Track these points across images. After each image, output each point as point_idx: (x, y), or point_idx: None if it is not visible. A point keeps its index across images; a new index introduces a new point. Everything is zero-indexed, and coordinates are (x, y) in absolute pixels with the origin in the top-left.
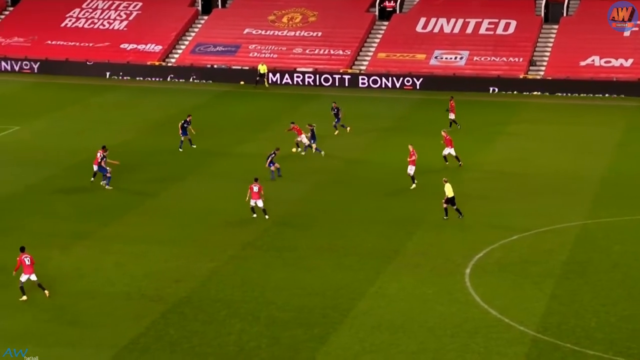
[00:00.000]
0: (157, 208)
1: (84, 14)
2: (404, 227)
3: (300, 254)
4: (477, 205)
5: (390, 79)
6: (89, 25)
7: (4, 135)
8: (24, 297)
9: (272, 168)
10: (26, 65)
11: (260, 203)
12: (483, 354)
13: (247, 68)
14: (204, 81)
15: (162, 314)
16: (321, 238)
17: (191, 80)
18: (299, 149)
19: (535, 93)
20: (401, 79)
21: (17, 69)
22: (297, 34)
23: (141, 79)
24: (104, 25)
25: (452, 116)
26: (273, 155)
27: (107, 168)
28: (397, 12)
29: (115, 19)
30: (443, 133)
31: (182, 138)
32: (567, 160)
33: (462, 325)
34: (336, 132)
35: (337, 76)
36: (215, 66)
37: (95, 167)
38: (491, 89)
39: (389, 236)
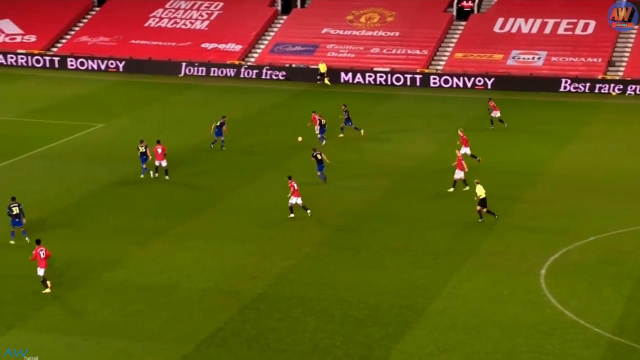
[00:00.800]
0: (234, 205)
1: (166, 14)
2: (479, 228)
3: (375, 253)
4: (554, 206)
5: (461, 78)
6: (171, 25)
7: (88, 132)
8: (48, 290)
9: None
10: (112, 64)
11: (299, 200)
12: (558, 356)
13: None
14: (279, 78)
15: (238, 310)
16: (395, 238)
17: (272, 77)
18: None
19: (613, 94)
20: (472, 78)
21: (102, 67)
22: (375, 33)
23: (222, 77)
24: (186, 25)
25: (497, 114)
26: (317, 154)
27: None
28: (475, 12)
29: (197, 19)
30: (460, 132)
31: (216, 139)
32: None
33: (537, 326)
34: (340, 135)
35: (408, 76)
36: (293, 65)
37: (157, 163)
38: (568, 89)
39: (464, 236)
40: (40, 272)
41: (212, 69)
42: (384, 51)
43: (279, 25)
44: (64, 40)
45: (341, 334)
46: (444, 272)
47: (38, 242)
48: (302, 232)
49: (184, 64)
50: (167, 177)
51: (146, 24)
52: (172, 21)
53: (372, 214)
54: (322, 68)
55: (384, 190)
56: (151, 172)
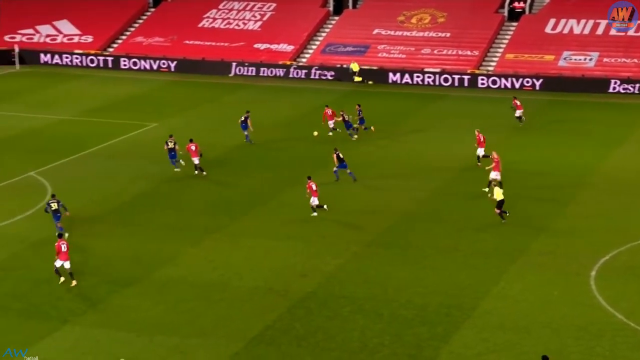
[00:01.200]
0: (285, 204)
1: (220, 15)
2: (528, 228)
3: (424, 253)
4: (605, 208)
5: (510, 79)
6: (224, 25)
7: (142, 132)
8: (62, 279)
9: (341, 171)
10: (164, 64)
11: (316, 201)
12: (608, 358)
13: (375, 68)
14: (327, 78)
15: (288, 308)
16: (445, 237)
17: (321, 78)
18: (330, 134)
19: None
20: (520, 79)
21: (155, 67)
22: (426, 34)
23: (271, 77)
24: (239, 26)
25: (519, 113)
26: (338, 152)
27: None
28: (527, 13)
29: (249, 20)
30: (476, 132)
31: (245, 132)
32: None
33: (587, 328)
34: (355, 137)
35: (456, 76)
36: (344, 66)
37: (196, 160)
38: (617, 90)
39: (513, 237)
40: (58, 263)
41: (262, 69)
42: (435, 52)
43: (330, 26)
44: (119, 41)
45: (389, 333)
46: (493, 272)
47: (60, 236)
48: (351, 231)
49: (234, 64)
50: (204, 173)
51: (200, 25)
52: (225, 22)
53: (421, 214)
54: (355, 67)
55: (433, 190)
56: (182, 162)
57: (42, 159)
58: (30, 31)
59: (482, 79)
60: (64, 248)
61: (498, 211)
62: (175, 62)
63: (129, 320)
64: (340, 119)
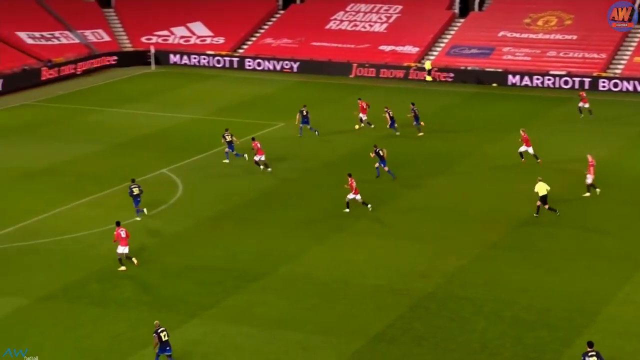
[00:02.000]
0: (409, 205)
1: (347, 17)
2: None
3: (546, 256)
4: None
5: (631, 82)
6: (351, 27)
7: (269, 131)
8: (123, 268)
9: (381, 167)
10: (287, 65)
11: (358, 197)
12: None
13: (500, 70)
14: (447, 80)
15: (409, 307)
16: (569, 240)
17: (440, 80)
18: (362, 125)
19: None
20: None
21: (278, 68)
22: (552, 37)
23: (390, 78)
24: (365, 28)
25: (585, 105)
26: (377, 150)
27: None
28: None
29: (375, 22)
30: (521, 132)
31: (309, 126)
32: None
33: None
34: (420, 134)
35: (576, 79)
36: (468, 68)
37: (257, 158)
38: None
39: (639, 242)
40: (120, 249)
41: (382, 70)
42: (561, 54)
43: (455, 28)
44: (249, 42)
45: (510, 335)
46: (617, 278)
47: (118, 223)
48: (475, 233)
49: (354, 65)
50: (269, 169)
51: (327, 27)
52: (352, 24)
53: (545, 217)
54: (427, 65)
55: (558, 193)
56: (245, 156)
57: (173, 156)
58: (166, 33)
59: (604, 82)
60: (123, 234)
61: (546, 206)
62: (298, 63)
63: (254, 314)
64: (385, 114)
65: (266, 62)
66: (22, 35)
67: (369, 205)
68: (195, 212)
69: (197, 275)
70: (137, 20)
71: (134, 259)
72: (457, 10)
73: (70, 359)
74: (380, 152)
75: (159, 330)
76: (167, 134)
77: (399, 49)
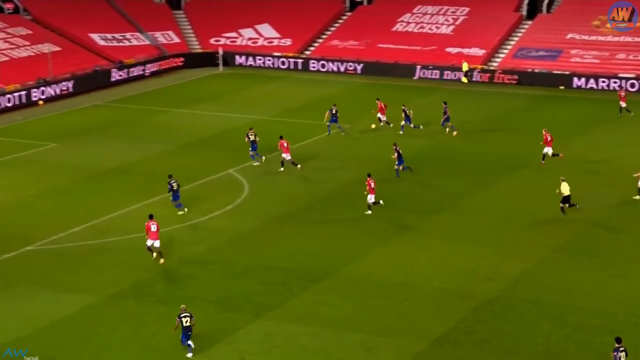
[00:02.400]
0: (473, 207)
1: (413, 19)
2: None
3: (612, 261)
4: None
5: None
6: (418, 29)
7: (334, 133)
8: (155, 255)
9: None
10: (350, 66)
11: (373, 198)
12: None
13: (567, 73)
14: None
15: (472, 310)
16: (635, 245)
17: (504, 82)
18: (381, 125)
19: None
20: None
21: (342, 70)
22: (622, 39)
23: (454, 80)
24: (432, 30)
25: (622, 104)
26: (398, 148)
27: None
28: None
29: (442, 24)
30: (544, 132)
31: (338, 125)
32: None
33: None
34: (450, 131)
35: (636, 82)
36: (536, 70)
37: (286, 156)
38: None
39: None
40: (149, 242)
41: (446, 72)
42: (630, 57)
43: (523, 30)
44: (316, 44)
45: (575, 340)
46: None
47: (151, 216)
48: (539, 236)
49: (418, 67)
50: (298, 166)
51: (393, 29)
52: (419, 26)
53: (612, 222)
54: (465, 67)
55: (623, 197)
56: (263, 158)
57: (240, 157)
58: (234, 34)
59: None
60: (153, 228)
61: (568, 205)
62: (362, 65)
63: (317, 314)
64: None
65: (330, 64)
66: (95, 36)
67: (381, 201)
68: (261, 213)
69: (261, 275)
70: (206, 21)
71: (161, 260)
72: (524, 12)
73: (138, 357)
74: (400, 150)
75: (182, 315)
76: (233, 134)
77: (465, 51)
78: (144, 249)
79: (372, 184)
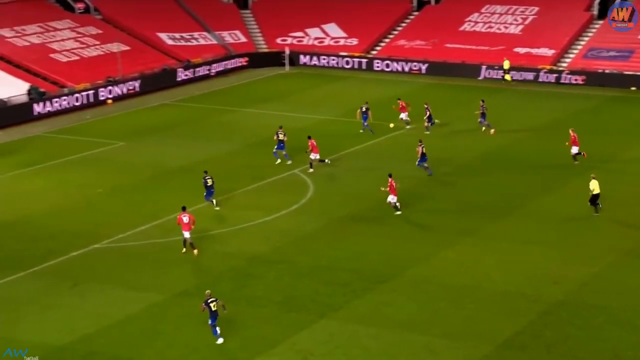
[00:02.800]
0: (539, 210)
1: (482, 18)
2: None
3: None
4: None
5: None
6: (485, 29)
7: (400, 134)
8: (184, 250)
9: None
10: (415, 66)
11: (394, 199)
12: None
13: (639, 74)
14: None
15: (539, 314)
16: None
17: (571, 82)
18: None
19: None
20: None
21: (407, 69)
22: None
23: (520, 80)
24: (500, 30)
25: None
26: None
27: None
28: None
29: (511, 23)
30: (570, 132)
31: (366, 123)
32: None
33: None
34: (487, 130)
35: None
36: (607, 71)
37: (312, 156)
38: None
39: None
40: (186, 234)
41: (511, 73)
42: None
43: (594, 30)
44: (382, 44)
45: None
46: None
47: (184, 208)
48: (607, 240)
49: (483, 67)
50: (327, 161)
51: (461, 28)
52: (487, 25)
53: None
54: (506, 65)
55: None
56: (288, 158)
57: (305, 157)
58: (300, 34)
59: None
60: (185, 220)
61: (592, 204)
62: (426, 65)
63: (382, 316)
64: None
65: (394, 64)
66: (163, 36)
67: (399, 212)
68: (325, 213)
69: (326, 275)
70: (273, 21)
71: (195, 250)
72: (595, 12)
73: (202, 356)
74: (423, 149)
75: (209, 301)
76: (299, 134)
77: (534, 51)
78: (210, 248)
79: (394, 184)
